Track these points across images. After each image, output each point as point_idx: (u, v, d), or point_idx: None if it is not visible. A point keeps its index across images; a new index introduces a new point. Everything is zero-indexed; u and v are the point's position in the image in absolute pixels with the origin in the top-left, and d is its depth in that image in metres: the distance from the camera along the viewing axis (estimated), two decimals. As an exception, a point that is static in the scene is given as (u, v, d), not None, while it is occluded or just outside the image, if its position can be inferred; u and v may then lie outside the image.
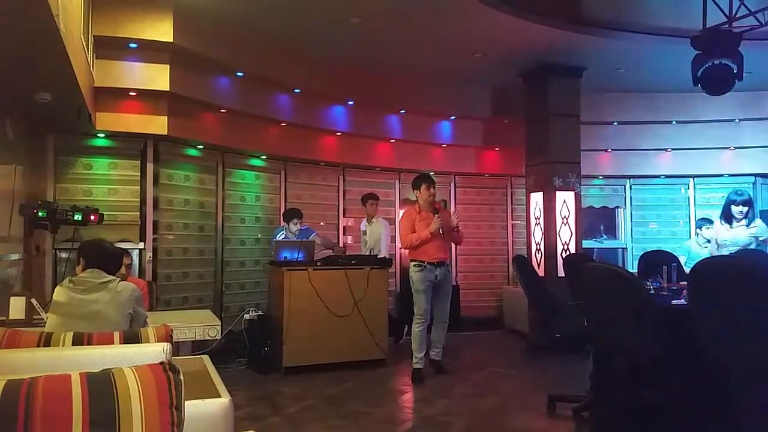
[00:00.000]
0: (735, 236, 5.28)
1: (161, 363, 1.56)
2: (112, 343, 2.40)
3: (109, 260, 3.13)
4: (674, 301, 3.52)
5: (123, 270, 4.71)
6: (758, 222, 5.34)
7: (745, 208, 5.26)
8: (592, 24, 6.07)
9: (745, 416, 2.81)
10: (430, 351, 5.73)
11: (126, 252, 5.01)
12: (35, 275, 5.21)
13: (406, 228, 5.69)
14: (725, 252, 5.24)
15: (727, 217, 5.38)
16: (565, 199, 7.13)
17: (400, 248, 8.24)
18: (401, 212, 8.38)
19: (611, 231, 9.17)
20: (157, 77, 5.59)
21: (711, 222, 7.02)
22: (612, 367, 3.68)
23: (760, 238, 5.25)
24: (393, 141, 8.24)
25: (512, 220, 8.98)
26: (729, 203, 5.40)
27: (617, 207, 9.14)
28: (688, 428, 3.20)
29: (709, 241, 6.88)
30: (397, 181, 8.45)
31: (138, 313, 3.05)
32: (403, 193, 8.51)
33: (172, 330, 2.58)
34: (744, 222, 5.29)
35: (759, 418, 2.73)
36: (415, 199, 5.87)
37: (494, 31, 6.13)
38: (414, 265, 5.61)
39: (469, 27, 6.05)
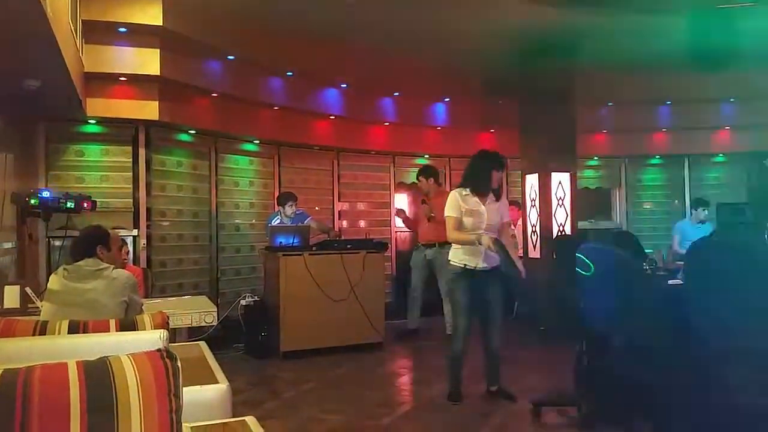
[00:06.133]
0: (485, 213, 4.25)
1: (158, 350, 1.54)
2: (109, 331, 2.38)
3: (81, 246, 3.08)
4: (671, 281, 3.53)
5: (124, 255, 4.70)
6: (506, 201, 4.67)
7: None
8: (586, 2, 6.01)
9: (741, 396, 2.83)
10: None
11: (123, 240, 4.99)
12: (29, 264, 5.18)
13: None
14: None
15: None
16: (560, 181, 7.12)
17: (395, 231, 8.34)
18: (396, 196, 8.44)
19: (606, 212, 9.18)
20: (148, 62, 5.51)
21: (706, 203, 7.02)
22: (606, 350, 3.71)
23: (504, 220, 4.40)
24: (387, 124, 8.19)
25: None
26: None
27: (613, 188, 9.15)
28: (683, 409, 3.22)
29: (702, 222, 6.89)
30: (391, 165, 8.41)
31: (133, 301, 3.03)
32: (398, 176, 8.49)
33: (168, 317, 2.57)
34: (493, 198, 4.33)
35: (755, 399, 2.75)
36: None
37: (488, 9, 6.07)
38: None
39: (463, 6, 5.99)
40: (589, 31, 6.53)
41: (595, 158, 8.96)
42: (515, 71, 7.44)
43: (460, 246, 4.23)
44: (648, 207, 9.16)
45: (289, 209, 6.38)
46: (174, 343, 3.35)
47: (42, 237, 5.39)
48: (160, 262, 6.09)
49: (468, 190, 4.20)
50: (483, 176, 4.18)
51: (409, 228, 6.89)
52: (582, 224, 8.03)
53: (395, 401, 4.55)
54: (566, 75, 7.10)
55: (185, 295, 5.99)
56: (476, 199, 4.17)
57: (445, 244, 5.82)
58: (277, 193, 7.16)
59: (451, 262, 4.28)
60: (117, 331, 2.39)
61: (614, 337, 3.62)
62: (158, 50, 5.52)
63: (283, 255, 5.72)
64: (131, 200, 5.88)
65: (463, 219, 4.16)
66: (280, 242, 5.95)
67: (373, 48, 7.15)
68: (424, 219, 6.38)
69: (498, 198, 4.28)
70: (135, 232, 5.82)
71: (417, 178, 6.58)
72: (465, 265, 4.18)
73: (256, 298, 6.16)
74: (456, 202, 4.18)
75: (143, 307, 3.15)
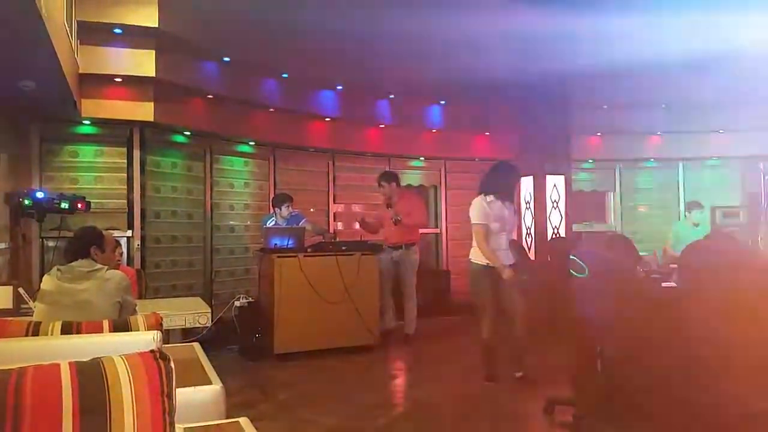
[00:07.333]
0: (508, 217, 4.66)
1: (152, 351, 1.54)
2: (102, 332, 2.38)
3: (75, 247, 3.09)
4: (664, 284, 3.55)
5: (117, 257, 4.69)
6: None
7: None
8: (580, 3, 6.02)
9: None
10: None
11: (117, 241, 4.97)
12: (22, 264, 5.16)
13: None
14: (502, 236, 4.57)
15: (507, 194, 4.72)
16: (555, 183, 7.15)
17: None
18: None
19: (601, 215, 9.21)
20: (143, 63, 5.51)
21: (701, 205, 7.05)
22: (601, 352, 3.71)
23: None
24: (383, 126, 8.20)
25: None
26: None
27: (607, 191, 9.18)
28: (678, 411, 3.23)
29: (696, 225, 6.92)
30: (387, 167, 8.39)
31: (127, 302, 3.03)
32: (393, 178, 8.48)
33: (162, 318, 2.57)
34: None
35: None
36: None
37: (482, 13, 6.08)
38: None
39: (457, 10, 6.00)
40: (585, 34, 6.55)
41: (590, 161, 8.99)
42: (511, 74, 7.46)
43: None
44: (642, 210, 9.19)
45: (285, 210, 6.36)
46: (167, 344, 3.35)
47: (35, 238, 5.38)
48: (155, 264, 6.07)
49: (492, 196, 4.58)
50: (510, 186, 4.71)
51: (371, 233, 6.56)
52: (576, 227, 8.06)
53: (389, 403, 4.55)
54: (561, 78, 7.12)
55: (179, 297, 5.99)
56: (500, 203, 4.58)
57: (411, 245, 6.42)
58: (272, 195, 7.15)
59: (474, 261, 4.65)
60: (110, 332, 2.39)
61: (608, 339, 3.63)
62: (153, 51, 5.52)
63: (278, 257, 5.71)
64: (125, 201, 5.87)
65: (490, 224, 4.56)
66: (275, 244, 5.94)
67: (368, 50, 7.15)
68: (389, 222, 6.34)
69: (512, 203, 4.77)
70: (129, 233, 5.80)
71: (379, 184, 6.53)
72: (486, 264, 4.55)
73: (250, 299, 6.14)
74: (483, 210, 4.56)
75: (137, 308, 3.14)
